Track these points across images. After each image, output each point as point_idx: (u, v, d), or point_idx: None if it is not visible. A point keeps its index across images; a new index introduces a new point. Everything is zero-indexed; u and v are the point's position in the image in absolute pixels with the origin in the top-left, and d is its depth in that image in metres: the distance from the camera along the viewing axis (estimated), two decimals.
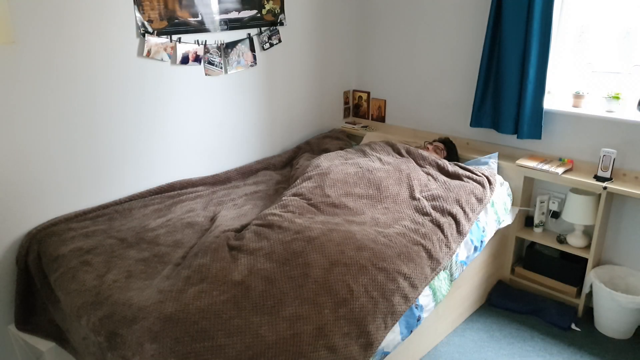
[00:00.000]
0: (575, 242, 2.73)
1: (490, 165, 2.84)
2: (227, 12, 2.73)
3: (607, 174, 2.56)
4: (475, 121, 2.98)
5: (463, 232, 2.31)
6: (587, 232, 2.75)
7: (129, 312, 1.70)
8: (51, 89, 2.16)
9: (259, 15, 2.90)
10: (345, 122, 3.75)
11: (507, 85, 2.78)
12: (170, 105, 2.62)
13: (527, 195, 2.93)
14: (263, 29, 2.94)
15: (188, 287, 1.78)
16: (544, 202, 2.88)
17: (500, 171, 2.88)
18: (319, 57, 3.38)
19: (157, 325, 1.63)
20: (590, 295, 2.71)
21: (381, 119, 3.64)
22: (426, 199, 2.44)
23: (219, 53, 2.75)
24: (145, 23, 2.41)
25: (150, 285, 1.85)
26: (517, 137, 2.82)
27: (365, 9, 3.49)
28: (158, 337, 1.60)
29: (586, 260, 2.70)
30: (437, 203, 2.40)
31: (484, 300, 2.90)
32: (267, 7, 2.93)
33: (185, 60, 2.60)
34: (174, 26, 2.51)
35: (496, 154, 2.93)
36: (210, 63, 2.72)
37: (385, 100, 3.58)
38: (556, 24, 2.71)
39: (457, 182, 2.61)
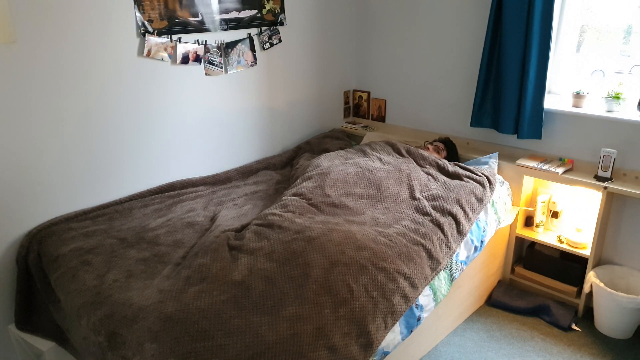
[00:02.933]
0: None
1: (490, 165, 2.84)
2: (227, 11, 2.73)
3: (608, 174, 2.56)
4: (476, 121, 2.98)
5: (463, 232, 2.31)
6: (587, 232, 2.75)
7: (129, 311, 1.70)
8: (51, 89, 2.16)
9: (259, 15, 2.90)
10: (346, 122, 3.74)
11: (508, 85, 2.78)
12: (170, 105, 2.62)
13: (527, 195, 2.93)
14: (263, 28, 2.94)
15: (188, 287, 1.79)
16: (544, 202, 2.88)
17: (500, 171, 2.88)
18: (319, 57, 3.38)
19: (157, 325, 1.63)
20: (590, 295, 2.71)
21: (381, 118, 3.63)
22: (426, 199, 2.44)
23: (219, 53, 2.75)
24: (146, 23, 2.41)
25: (150, 285, 1.85)
26: (518, 137, 2.82)
27: (366, 9, 3.49)
28: (158, 337, 1.60)
29: (586, 260, 2.70)
30: (437, 203, 2.40)
31: (484, 300, 2.90)
32: (268, 7, 2.93)
33: (185, 60, 2.60)
34: (174, 26, 2.51)
35: (496, 154, 2.93)
36: (211, 63, 2.72)
37: (385, 100, 3.58)
38: (556, 24, 2.71)
39: (457, 182, 2.61)
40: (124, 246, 2.12)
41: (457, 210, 2.36)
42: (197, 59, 2.65)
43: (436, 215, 2.31)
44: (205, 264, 1.89)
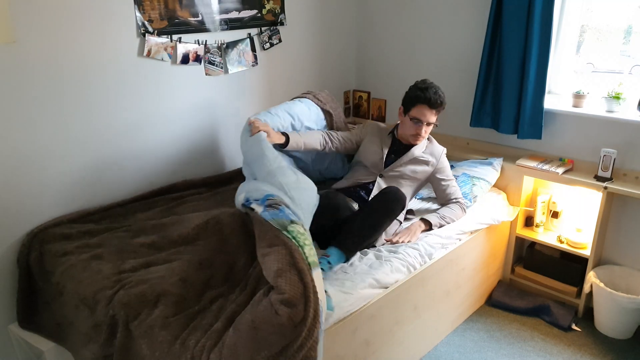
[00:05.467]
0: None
1: (494, 166, 2.84)
2: (227, 12, 2.73)
3: (608, 174, 2.56)
4: (475, 121, 2.98)
5: None
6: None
7: (149, 291, 1.75)
8: (51, 89, 2.16)
9: (259, 15, 2.90)
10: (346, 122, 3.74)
11: (508, 85, 2.78)
12: (170, 105, 2.62)
13: (527, 195, 2.93)
14: (263, 28, 2.94)
15: (208, 289, 1.83)
16: (544, 202, 2.88)
17: (500, 171, 2.88)
18: (319, 57, 3.38)
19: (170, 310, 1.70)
20: (590, 295, 2.71)
21: (381, 119, 3.63)
22: None
23: (220, 53, 2.75)
24: (146, 23, 2.41)
25: (169, 268, 1.89)
26: (518, 137, 2.82)
27: (366, 9, 3.49)
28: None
29: (586, 260, 2.70)
30: None
31: (484, 300, 2.90)
32: (268, 6, 2.93)
33: (185, 60, 2.60)
34: (174, 26, 2.51)
35: (501, 158, 2.91)
36: (211, 63, 2.72)
37: (385, 100, 3.58)
38: (556, 24, 2.71)
39: None
40: (131, 236, 2.14)
41: None
42: (197, 59, 2.65)
43: None
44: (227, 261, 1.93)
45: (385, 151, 2.52)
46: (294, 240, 1.65)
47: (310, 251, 1.65)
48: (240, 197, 1.98)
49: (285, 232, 1.69)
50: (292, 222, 1.72)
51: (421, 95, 2.38)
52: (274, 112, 2.48)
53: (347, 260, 2.08)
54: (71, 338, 2.07)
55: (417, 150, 2.51)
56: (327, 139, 2.54)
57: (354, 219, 2.17)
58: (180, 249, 2.01)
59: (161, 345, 1.58)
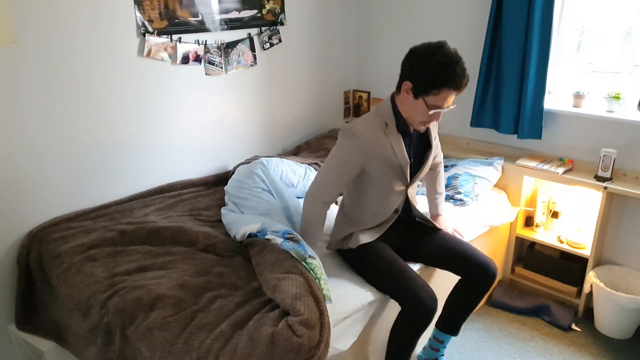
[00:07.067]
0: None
1: (495, 166, 2.84)
2: (227, 11, 2.73)
3: (608, 174, 2.56)
4: (476, 121, 2.98)
5: None
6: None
7: (145, 296, 1.74)
8: (51, 89, 2.16)
9: (259, 15, 2.90)
10: (346, 122, 3.74)
11: (508, 85, 2.78)
12: (170, 105, 2.62)
13: (527, 195, 2.93)
14: (263, 28, 2.94)
15: (206, 291, 1.82)
16: (544, 202, 2.88)
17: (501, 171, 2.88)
18: (319, 57, 3.38)
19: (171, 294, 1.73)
20: (590, 295, 2.71)
21: None
22: None
23: (219, 53, 2.74)
24: (146, 23, 2.41)
25: (166, 275, 1.88)
26: (518, 137, 2.82)
27: (366, 9, 3.49)
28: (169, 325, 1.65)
29: (586, 260, 2.70)
30: None
31: (484, 300, 2.90)
32: (268, 6, 2.93)
33: (185, 60, 2.60)
34: (174, 26, 2.51)
35: (502, 158, 2.91)
36: (211, 63, 2.72)
37: None
38: (556, 24, 2.71)
39: None
40: (126, 241, 2.12)
41: None
42: (197, 59, 2.65)
43: None
44: (225, 272, 1.93)
45: (407, 167, 1.91)
46: (311, 272, 1.75)
47: (325, 285, 1.74)
48: (250, 227, 2.02)
49: (303, 263, 1.77)
50: (310, 256, 1.81)
51: (447, 78, 1.70)
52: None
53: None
54: (71, 340, 2.07)
55: (431, 139, 1.99)
56: (330, 203, 2.01)
57: (456, 300, 2.07)
58: (176, 258, 2.02)
59: (162, 345, 1.57)
